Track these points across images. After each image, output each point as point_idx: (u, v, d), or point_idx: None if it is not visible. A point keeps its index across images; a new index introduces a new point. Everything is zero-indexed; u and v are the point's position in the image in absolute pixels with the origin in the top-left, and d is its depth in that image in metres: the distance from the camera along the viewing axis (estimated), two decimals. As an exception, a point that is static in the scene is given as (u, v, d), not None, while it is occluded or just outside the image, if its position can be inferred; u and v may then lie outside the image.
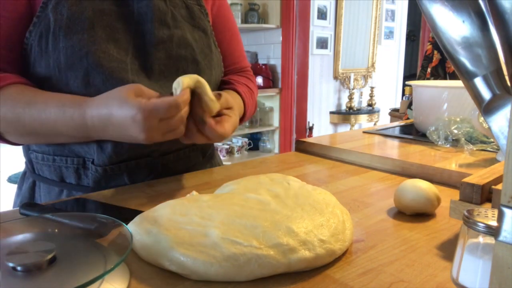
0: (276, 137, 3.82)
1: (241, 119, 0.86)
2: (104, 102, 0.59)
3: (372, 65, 4.34)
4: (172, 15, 0.73)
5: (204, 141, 0.64)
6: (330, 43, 3.87)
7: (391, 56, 4.63)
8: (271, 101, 3.78)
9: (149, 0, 0.70)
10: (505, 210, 0.26)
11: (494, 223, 0.34)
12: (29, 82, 0.66)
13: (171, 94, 0.60)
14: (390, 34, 4.52)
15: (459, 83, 1.02)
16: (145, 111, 0.55)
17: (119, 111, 0.57)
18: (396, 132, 1.14)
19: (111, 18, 0.67)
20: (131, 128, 0.57)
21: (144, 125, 0.56)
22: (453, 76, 2.55)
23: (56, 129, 0.62)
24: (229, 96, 0.70)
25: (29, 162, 0.77)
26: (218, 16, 0.86)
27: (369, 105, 4.19)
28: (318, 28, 3.74)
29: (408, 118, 2.84)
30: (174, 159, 0.78)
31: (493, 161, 0.80)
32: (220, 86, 0.86)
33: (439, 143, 0.93)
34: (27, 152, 0.76)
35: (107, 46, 0.66)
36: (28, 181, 0.78)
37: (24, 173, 0.80)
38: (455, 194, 0.57)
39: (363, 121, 4.03)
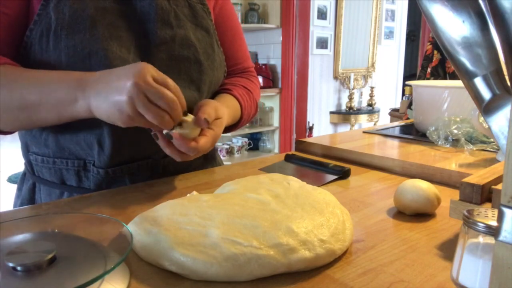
0: (276, 137, 3.82)
1: (238, 122, 0.85)
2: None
3: (372, 65, 4.34)
4: (175, 14, 0.73)
5: (175, 155, 0.63)
6: (330, 43, 3.87)
7: (391, 56, 4.63)
8: (271, 101, 3.78)
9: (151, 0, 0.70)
10: (505, 210, 0.26)
11: (494, 223, 0.34)
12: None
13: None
14: (390, 34, 4.52)
15: (459, 83, 1.02)
16: (145, 63, 0.57)
17: (123, 68, 0.58)
18: (396, 132, 1.14)
19: (113, 16, 0.67)
20: (125, 71, 0.56)
21: (139, 73, 0.55)
22: (453, 76, 2.55)
23: (50, 90, 0.59)
24: (219, 105, 0.69)
25: (29, 163, 0.77)
26: (221, 16, 0.86)
27: (369, 105, 4.19)
28: (318, 28, 3.74)
29: (408, 118, 2.84)
30: (174, 160, 0.78)
31: (493, 161, 0.80)
32: (218, 90, 0.85)
33: (439, 143, 0.93)
34: (26, 153, 0.76)
35: (110, 43, 0.65)
36: (28, 183, 0.77)
37: (24, 174, 0.80)
38: (455, 194, 0.57)
39: (363, 121, 4.03)
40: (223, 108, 0.71)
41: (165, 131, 0.60)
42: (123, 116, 0.56)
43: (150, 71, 0.56)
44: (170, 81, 0.58)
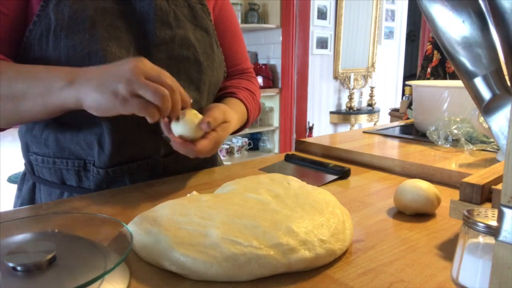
0: (276, 137, 3.82)
1: (245, 125, 0.86)
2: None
3: (372, 65, 4.34)
4: (174, 15, 0.73)
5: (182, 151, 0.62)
6: (330, 43, 3.87)
7: (391, 56, 4.63)
8: (271, 101, 3.78)
9: (151, 0, 0.70)
10: (505, 210, 0.26)
11: (494, 223, 0.34)
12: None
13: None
14: (390, 34, 4.52)
15: (459, 83, 1.02)
16: (143, 58, 0.57)
17: (120, 60, 0.58)
18: (396, 132, 1.14)
19: (112, 17, 0.67)
20: (124, 61, 0.56)
21: (138, 60, 0.55)
22: (453, 76, 2.55)
23: (37, 78, 0.59)
24: (228, 109, 0.70)
25: (29, 163, 0.77)
26: (220, 17, 0.86)
27: (369, 105, 4.19)
28: (318, 28, 3.74)
29: (408, 118, 2.84)
30: (174, 160, 0.78)
31: (493, 161, 0.80)
32: (222, 94, 0.86)
33: (439, 143, 0.93)
34: (27, 153, 0.76)
35: (109, 44, 0.65)
36: (28, 183, 0.77)
37: (24, 174, 0.80)
38: (455, 194, 0.57)
39: (363, 121, 4.03)
40: (232, 113, 0.72)
41: (163, 135, 0.60)
42: (117, 99, 0.54)
43: (148, 62, 0.56)
44: (165, 73, 0.57)
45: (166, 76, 0.56)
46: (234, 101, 0.82)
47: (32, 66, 0.62)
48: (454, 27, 0.36)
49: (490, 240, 0.35)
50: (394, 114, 3.38)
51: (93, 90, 0.55)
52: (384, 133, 1.11)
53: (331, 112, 4.06)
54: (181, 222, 0.46)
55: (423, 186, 0.57)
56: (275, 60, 3.70)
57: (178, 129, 0.60)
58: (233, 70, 0.91)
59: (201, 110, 0.66)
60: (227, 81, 0.89)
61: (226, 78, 0.89)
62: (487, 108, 0.36)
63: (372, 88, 4.16)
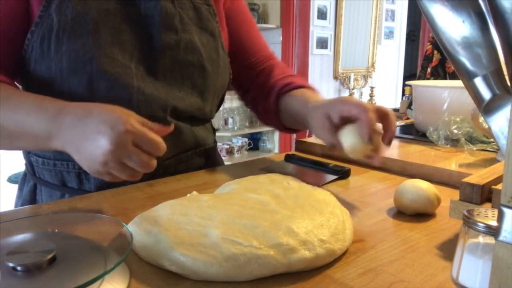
0: (276, 137, 3.82)
1: None
2: (90, 105, 0.56)
3: (372, 65, 4.34)
4: (180, 18, 0.72)
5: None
6: (330, 43, 3.87)
7: (391, 56, 4.63)
8: (271, 101, 3.77)
9: (157, 1, 0.69)
10: (505, 210, 0.26)
11: (494, 223, 0.34)
12: (11, 82, 0.64)
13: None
14: (390, 34, 4.51)
15: (459, 83, 1.02)
16: (129, 117, 0.52)
17: (103, 110, 0.53)
18: (396, 132, 1.14)
19: (116, 19, 0.66)
20: (105, 129, 0.50)
21: (122, 129, 0.50)
22: (453, 76, 2.55)
23: (26, 122, 0.56)
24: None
25: (29, 164, 0.76)
26: (233, 10, 0.85)
27: (369, 105, 4.19)
28: (318, 28, 3.74)
29: (408, 118, 2.84)
30: (175, 163, 0.78)
31: (493, 161, 0.80)
32: (286, 87, 0.84)
33: (439, 143, 0.93)
34: (27, 154, 0.76)
35: (112, 50, 0.64)
36: (29, 184, 0.77)
37: (25, 174, 0.80)
38: (455, 194, 0.57)
39: (363, 121, 4.02)
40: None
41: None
42: (100, 175, 0.54)
43: (134, 128, 0.51)
44: (153, 139, 0.53)
45: (150, 134, 0.52)
46: (309, 91, 0.83)
47: (22, 102, 0.58)
48: (454, 27, 0.37)
49: (490, 240, 0.35)
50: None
51: (75, 156, 0.54)
52: (384, 133, 1.11)
53: (331, 112, 4.06)
54: (181, 222, 0.46)
55: (423, 186, 0.57)
56: (275, 60, 3.70)
57: (355, 145, 0.60)
58: (257, 58, 0.89)
59: (210, 113, 0.64)
60: (273, 72, 0.86)
61: (262, 70, 0.87)
62: (487, 108, 0.36)
63: (372, 88, 4.16)
